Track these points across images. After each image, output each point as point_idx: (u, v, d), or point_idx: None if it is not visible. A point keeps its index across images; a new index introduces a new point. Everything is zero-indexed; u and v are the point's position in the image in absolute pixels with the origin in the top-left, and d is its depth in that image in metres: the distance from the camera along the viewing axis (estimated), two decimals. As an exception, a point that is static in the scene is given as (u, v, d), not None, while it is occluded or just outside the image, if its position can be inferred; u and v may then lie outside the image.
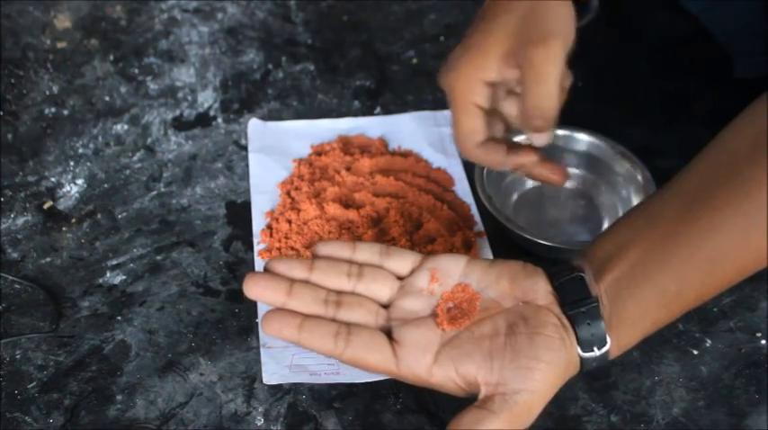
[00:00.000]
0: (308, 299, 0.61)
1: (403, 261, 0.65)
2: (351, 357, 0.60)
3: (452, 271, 0.63)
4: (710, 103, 0.85)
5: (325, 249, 0.65)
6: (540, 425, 0.63)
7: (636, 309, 0.60)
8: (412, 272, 0.64)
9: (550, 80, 0.64)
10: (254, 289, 0.61)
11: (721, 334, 0.69)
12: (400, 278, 0.64)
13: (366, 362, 0.60)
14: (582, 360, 0.60)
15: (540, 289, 0.61)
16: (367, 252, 0.65)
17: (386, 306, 0.63)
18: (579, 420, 0.64)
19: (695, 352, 0.68)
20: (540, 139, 0.69)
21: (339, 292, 0.63)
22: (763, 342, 0.68)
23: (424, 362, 0.60)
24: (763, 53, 0.79)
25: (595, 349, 0.59)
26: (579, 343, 0.59)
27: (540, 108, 0.65)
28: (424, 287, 0.63)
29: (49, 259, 0.74)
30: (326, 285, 0.63)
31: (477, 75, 0.67)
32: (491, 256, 0.73)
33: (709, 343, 0.69)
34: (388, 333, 0.61)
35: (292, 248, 0.73)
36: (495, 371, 0.58)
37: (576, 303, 0.60)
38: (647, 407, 0.65)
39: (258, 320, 0.69)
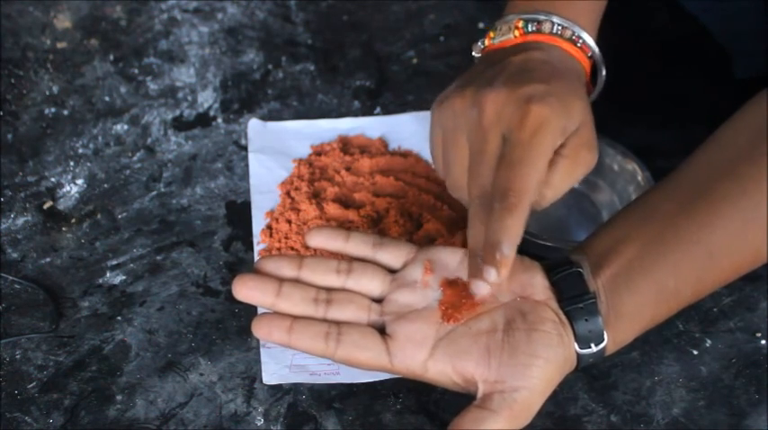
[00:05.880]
0: (297, 298, 0.62)
1: (397, 252, 0.64)
2: (342, 357, 0.60)
3: (448, 263, 0.63)
4: (710, 103, 0.85)
5: (317, 238, 0.66)
6: (540, 425, 0.63)
7: (633, 305, 0.60)
8: (405, 264, 0.64)
9: (562, 191, 0.65)
10: (242, 290, 0.62)
11: (721, 334, 0.69)
12: (393, 271, 0.64)
13: (358, 360, 0.60)
14: (579, 356, 0.60)
15: (537, 283, 0.61)
16: (360, 242, 0.65)
17: (379, 300, 0.63)
18: (579, 420, 0.64)
19: (695, 352, 0.68)
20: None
21: (329, 290, 0.63)
22: (763, 342, 0.68)
23: (418, 357, 0.60)
24: (763, 53, 0.79)
25: (593, 345, 0.60)
26: (577, 339, 0.59)
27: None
28: (418, 279, 0.63)
29: (49, 259, 0.74)
30: (316, 282, 0.63)
31: (562, 125, 0.63)
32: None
33: (709, 343, 0.69)
34: (382, 327, 0.61)
35: (292, 248, 0.73)
36: (493, 369, 0.58)
37: (574, 299, 0.60)
38: (647, 407, 0.65)
39: (258, 320, 0.69)
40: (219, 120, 0.86)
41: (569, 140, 0.63)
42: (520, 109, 0.61)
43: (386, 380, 0.66)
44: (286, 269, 0.63)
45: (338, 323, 0.61)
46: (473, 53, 0.72)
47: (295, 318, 0.61)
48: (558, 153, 0.63)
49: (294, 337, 0.60)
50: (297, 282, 0.63)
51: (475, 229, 0.61)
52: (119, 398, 0.66)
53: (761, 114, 0.62)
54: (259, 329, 0.61)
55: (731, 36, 0.84)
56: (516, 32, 0.68)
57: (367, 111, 0.87)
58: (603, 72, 0.70)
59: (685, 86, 0.87)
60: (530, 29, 0.68)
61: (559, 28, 0.67)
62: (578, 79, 0.67)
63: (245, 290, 0.62)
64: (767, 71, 0.79)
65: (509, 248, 0.58)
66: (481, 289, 0.60)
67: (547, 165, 0.62)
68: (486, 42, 0.70)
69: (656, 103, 0.87)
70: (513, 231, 0.59)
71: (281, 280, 0.62)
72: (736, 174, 0.60)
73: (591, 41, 0.68)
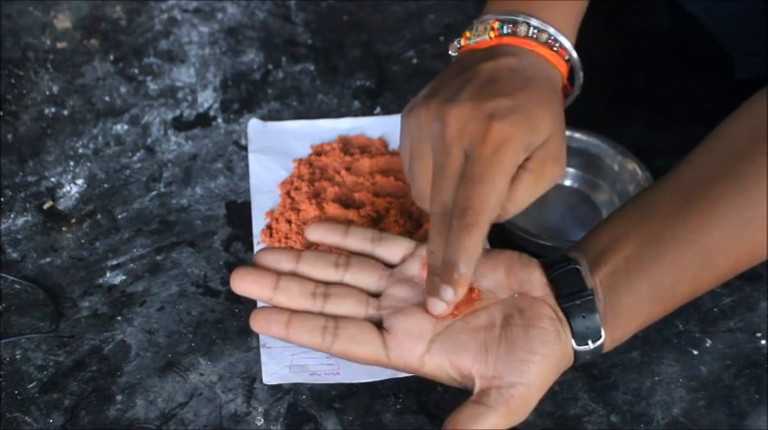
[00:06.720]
0: (294, 292, 0.62)
1: (396, 247, 0.65)
2: (339, 351, 0.60)
3: None
4: (710, 103, 0.85)
5: (316, 232, 0.66)
6: (540, 425, 0.63)
7: (630, 303, 0.60)
8: (404, 259, 0.64)
9: (525, 204, 0.63)
10: (240, 284, 0.62)
11: (721, 334, 0.69)
12: (392, 266, 0.64)
13: (355, 354, 0.60)
14: (576, 353, 0.60)
15: (535, 280, 0.61)
16: (359, 237, 0.65)
17: (376, 295, 0.63)
18: (579, 420, 0.64)
19: (695, 352, 0.68)
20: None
21: (327, 284, 0.63)
22: (763, 342, 0.68)
23: (415, 351, 0.60)
24: (763, 53, 0.80)
25: (590, 342, 0.60)
26: (574, 336, 0.60)
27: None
28: (415, 274, 0.63)
29: (49, 259, 0.74)
30: (314, 276, 0.63)
31: (526, 141, 0.61)
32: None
33: (709, 343, 0.69)
34: (380, 322, 0.62)
35: (292, 248, 0.73)
36: (491, 364, 0.58)
37: (572, 296, 0.60)
38: (647, 407, 0.65)
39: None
40: (219, 120, 0.86)
41: (535, 153, 0.62)
42: (482, 125, 0.60)
43: (386, 380, 0.66)
44: (284, 262, 0.63)
45: (335, 317, 0.61)
46: (450, 52, 0.70)
47: (293, 312, 0.61)
48: (523, 166, 0.61)
49: (292, 332, 0.60)
50: (295, 275, 0.63)
51: (434, 245, 0.60)
52: (119, 398, 0.66)
53: (760, 113, 0.62)
54: (257, 323, 0.61)
55: (731, 36, 0.84)
56: (492, 34, 0.66)
57: (367, 112, 0.87)
58: (581, 75, 0.69)
59: (685, 86, 0.87)
60: (505, 31, 0.66)
61: (535, 31, 0.66)
62: (550, 87, 0.65)
63: (243, 283, 0.62)
64: (767, 72, 0.79)
65: (466, 267, 0.58)
66: (437, 307, 0.59)
67: (508, 183, 0.60)
68: (462, 42, 0.69)
69: (656, 102, 0.87)
70: (470, 250, 0.58)
71: (278, 273, 0.62)
72: (734, 172, 0.60)
73: (568, 44, 0.67)
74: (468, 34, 0.68)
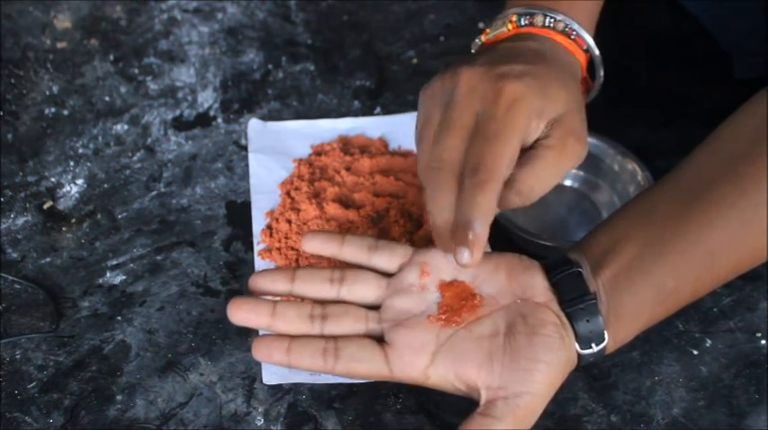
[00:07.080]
0: (292, 316, 0.61)
1: (392, 255, 0.64)
2: (342, 371, 0.60)
3: (444, 264, 0.63)
4: (710, 103, 0.85)
5: (312, 242, 0.65)
6: (540, 425, 0.63)
7: (633, 305, 0.60)
8: (401, 267, 0.64)
9: (559, 176, 0.63)
10: (237, 314, 0.61)
11: (721, 334, 0.69)
12: (389, 274, 0.64)
13: (358, 372, 0.60)
14: (580, 356, 0.60)
15: (537, 284, 0.61)
16: (355, 246, 0.65)
17: (375, 307, 0.63)
18: (579, 420, 0.64)
19: (695, 352, 0.68)
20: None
21: (324, 303, 0.62)
22: (763, 342, 0.68)
23: (418, 364, 0.59)
24: (763, 53, 0.79)
25: (593, 345, 0.59)
26: (578, 339, 0.59)
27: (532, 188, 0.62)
28: (414, 283, 0.63)
29: (49, 259, 0.74)
30: (309, 295, 0.63)
31: (538, 105, 0.61)
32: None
33: (709, 343, 0.69)
34: (381, 335, 0.61)
35: (292, 248, 0.73)
36: (496, 374, 0.58)
37: (575, 300, 0.60)
38: (647, 407, 0.65)
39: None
40: (219, 120, 0.86)
41: (554, 130, 0.62)
42: (494, 85, 0.60)
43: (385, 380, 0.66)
44: (279, 283, 0.63)
45: (335, 338, 0.61)
46: (472, 51, 0.71)
47: (293, 337, 0.61)
48: (544, 144, 0.61)
49: (293, 357, 0.60)
50: (291, 296, 0.63)
51: (433, 204, 0.60)
52: (119, 398, 0.66)
53: (760, 114, 0.62)
54: (259, 352, 0.61)
55: (731, 36, 0.84)
56: (510, 26, 0.68)
57: (367, 112, 0.87)
58: (602, 74, 0.69)
59: (685, 86, 0.87)
60: (522, 22, 0.67)
61: (552, 20, 0.67)
62: (569, 70, 0.66)
63: (241, 313, 0.61)
64: (767, 72, 0.79)
65: (481, 226, 0.57)
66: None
67: (520, 143, 0.60)
68: (483, 38, 0.70)
69: (656, 102, 0.87)
70: (484, 208, 0.57)
71: (275, 299, 0.62)
72: (735, 173, 0.60)
73: (585, 34, 0.67)
74: (487, 30, 0.70)
